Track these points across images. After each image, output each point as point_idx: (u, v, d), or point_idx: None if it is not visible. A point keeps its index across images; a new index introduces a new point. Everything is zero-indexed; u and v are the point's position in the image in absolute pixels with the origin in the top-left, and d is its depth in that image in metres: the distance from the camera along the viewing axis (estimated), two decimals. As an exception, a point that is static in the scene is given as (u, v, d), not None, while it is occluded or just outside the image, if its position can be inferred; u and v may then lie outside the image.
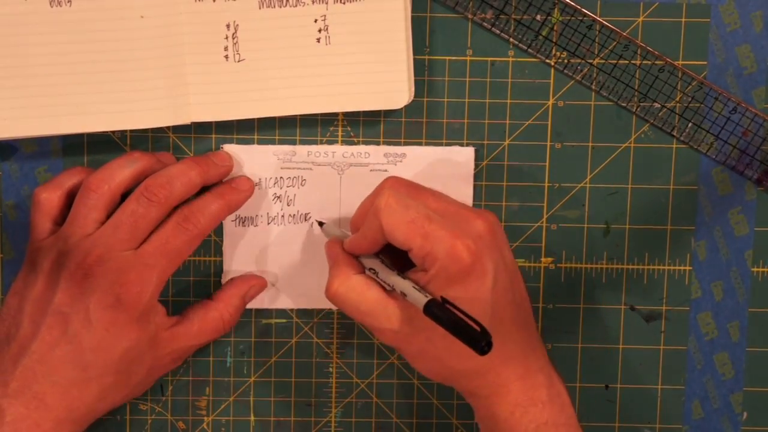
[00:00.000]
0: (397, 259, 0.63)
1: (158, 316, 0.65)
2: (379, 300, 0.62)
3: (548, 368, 0.64)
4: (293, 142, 0.69)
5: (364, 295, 0.62)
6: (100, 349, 0.62)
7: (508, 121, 0.69)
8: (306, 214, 0.69)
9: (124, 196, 0.65)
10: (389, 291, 0.62)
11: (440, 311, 0.57)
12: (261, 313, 0.71)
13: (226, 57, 0.67)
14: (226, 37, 0.67)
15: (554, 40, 0.69)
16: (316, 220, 0.69)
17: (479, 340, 0.55)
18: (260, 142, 0.69)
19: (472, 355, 0.56)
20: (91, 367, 0.62)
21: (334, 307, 0.70)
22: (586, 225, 0.70)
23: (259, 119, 0.69)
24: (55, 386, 0.62)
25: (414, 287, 0.60)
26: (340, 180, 0.69)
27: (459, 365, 0.61)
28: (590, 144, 0.70)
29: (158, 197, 0.63)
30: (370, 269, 0.63)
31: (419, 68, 0.69)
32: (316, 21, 0.67)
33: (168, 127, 0.69)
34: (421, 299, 0.58)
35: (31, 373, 0.62)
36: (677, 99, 0.69)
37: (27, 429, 0.61)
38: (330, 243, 0.66)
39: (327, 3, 0.67)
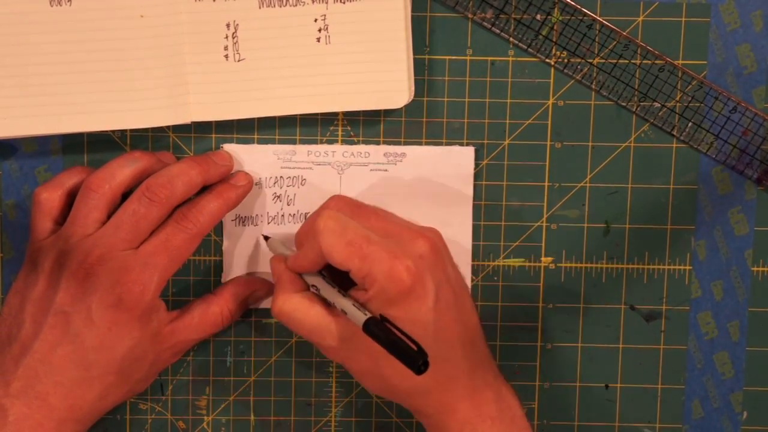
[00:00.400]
0: (342, 275, 0.63)
1: (159, 313, 0.65)
2: (322, 317, 0.63)
3: (497, 383, 0.64)
4: (293, 142, 0.69)
5: (307, 313, 0.63)
6: (102, 348, 0.62)
7: (508, 121, 0.69)
8: (306, 214, 0.69)
9: (125, 195, 0.65)
10: (332, 308, 0.63)
11: (378, 330, 0.58)
12: (261, 312, 0.71)
13: (226, 56, 0.67)
14: (226, 37, 0.67)
15: (554, 40, 0.69)
16: (263, 235, 0.69)
17: (416, 360, 0.56)
18: (260, 141, 0.69)
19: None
20: (93, 367, 0.63)
21: (334, 307, 0.70)
22: (586, 225, 0.70)
23: (259, 119, 0.69)
24: (58, 386, 0.62)
25: (354, 305, 0.60)
26: (340, 179, 0.69)
27: (403, 383, 0.61)
28: (590, 143, 0.70)
29: (159, 197, 0.63)
30: (313, 286, 0.64)
31: (419, 68, 0.69)
32: (316, 20, 0.67)
33: (168, 127, 0.69)
34: (360, 317, 0.59)
35: (33, 372, 0.62)
36: (677, 98, 0.69)
37: (30, 429, 0.61)
38: (274, 260, 0.66)
39: (327, 2, 0.67)
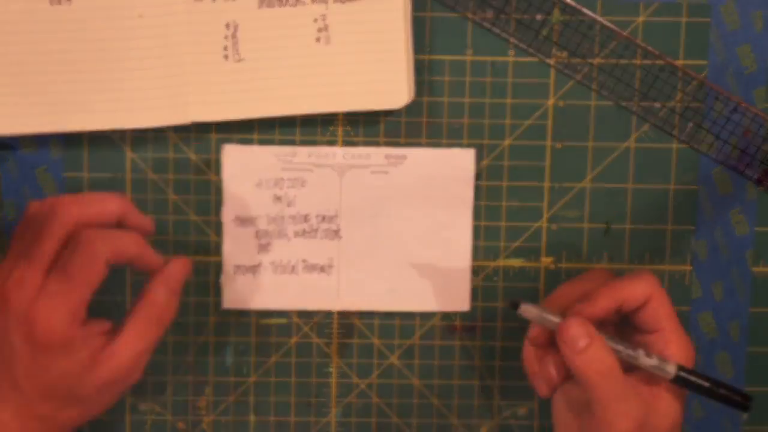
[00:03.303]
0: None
1: (91, 338, 0.61)
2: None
3: None
4: (293, 142, 0.69)
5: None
6: (31, 376, 0.60)
7: (508, 121, 0.69)
8: (306, 215, 0.69)
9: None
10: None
11: (692, 376, 0.61)
12: (261, 313, 0.71)
13: (226, 57, 0.67)
14: (226, 37, 0.67)
15: (554, 40, 0.69)
16: (521, 305, 0.63)
17: (743, 396, 0.61)
18: (260, 141, 0.69)
19: None
20: (27, 393, 0.60)
21: (333, 308, 0.70)
22: (586, 225, 0.70)
23: (259, 119, 0.69)
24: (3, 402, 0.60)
25: (654, 358, 0.62)
26: (340, 181, 0.69)
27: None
28: (590, 144, 0.70)
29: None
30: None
31: (419, 68, 0.69)
32: (315, 21, 0.67)
33: (168, 127, 0.69)
34: (670, 367, 0.61)
35: None
36: (677, 99, 0.69)
37: None
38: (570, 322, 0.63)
39: (326, 2, 0.67)
